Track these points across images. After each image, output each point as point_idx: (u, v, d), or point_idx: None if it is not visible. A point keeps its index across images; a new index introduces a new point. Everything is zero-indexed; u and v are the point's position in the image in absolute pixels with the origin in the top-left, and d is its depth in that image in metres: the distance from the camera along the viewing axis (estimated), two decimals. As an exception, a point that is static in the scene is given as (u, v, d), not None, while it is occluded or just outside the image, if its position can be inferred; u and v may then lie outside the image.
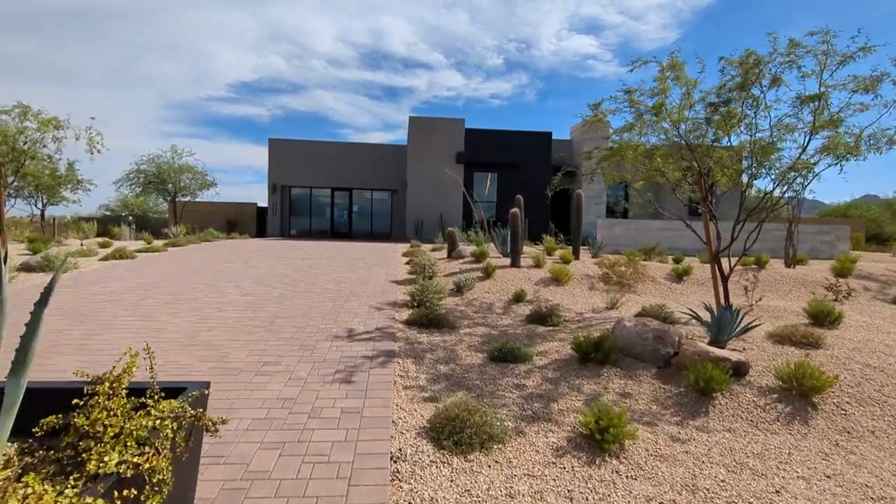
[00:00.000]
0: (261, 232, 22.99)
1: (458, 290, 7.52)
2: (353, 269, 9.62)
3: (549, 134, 19.19)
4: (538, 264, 9.11)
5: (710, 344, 4.77)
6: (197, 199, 22.32)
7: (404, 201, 21.70)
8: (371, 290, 7.57)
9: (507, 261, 9.47)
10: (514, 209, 8.92)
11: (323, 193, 22.70)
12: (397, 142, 21.38)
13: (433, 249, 12.86)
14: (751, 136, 6.00)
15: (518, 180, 18.23)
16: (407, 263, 10.44)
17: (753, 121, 5.94)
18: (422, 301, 6.45)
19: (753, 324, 5.31)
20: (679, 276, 9.45)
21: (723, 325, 4.91)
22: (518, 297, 7.22)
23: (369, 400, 3.54)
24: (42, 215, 15.72)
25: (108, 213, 25.40)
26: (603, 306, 7.25)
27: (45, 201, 15.30)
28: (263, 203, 22.86)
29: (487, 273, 8.28)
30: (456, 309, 6.61)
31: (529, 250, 10.87)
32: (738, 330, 5.04)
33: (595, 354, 4.40)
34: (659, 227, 14.54)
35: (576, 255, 10.39)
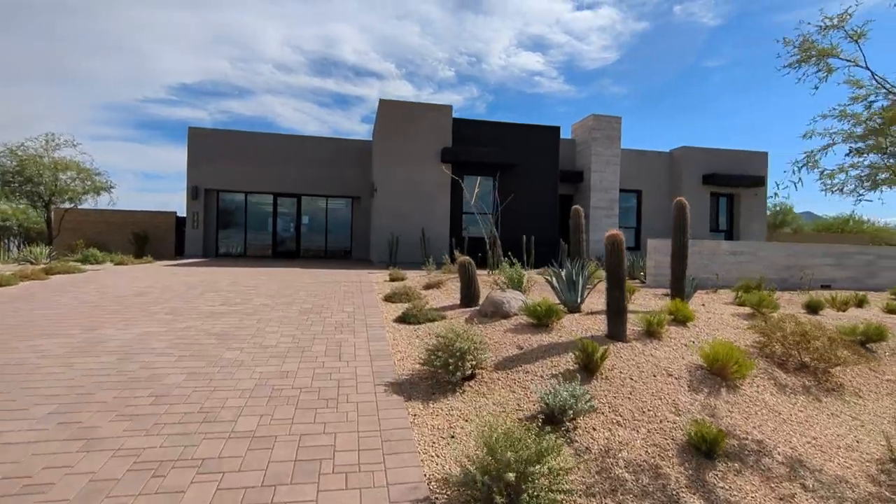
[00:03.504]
0: (180, 250, 17.57)
1: (551, 418, 3.23)
2: (305, 343, 5.05)
3: (558, 129, 15.35)
4: (652, 331, 4.96)
5: None
6: (87, 207, 16.61)
7: (370, 211, 17.12)
8: (355, 439, 3.10)
9: (581, 319, 5.28)
10: (614, 233, 4.74)
11: (263, 201, 17.62)
12: (349, 135, 16.74)
13: (427, 286, 8.44)
14: None
15: (518, 186, 14.20)
16: (401, 321, 5.99)
17: None
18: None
19: None
20: (865, 341, 5.61)
21: None
22: (706, 444, 3.02)
23: None
24: None
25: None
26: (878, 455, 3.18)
27: None
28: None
29: (587, 365, 4.00)
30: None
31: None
32: None
33: None
34: (728, 249, 10.93)
35: (676, 295, 6.35)
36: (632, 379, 3.98)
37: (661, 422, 3.42)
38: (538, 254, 13.31)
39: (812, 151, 4.95)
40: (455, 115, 14.47)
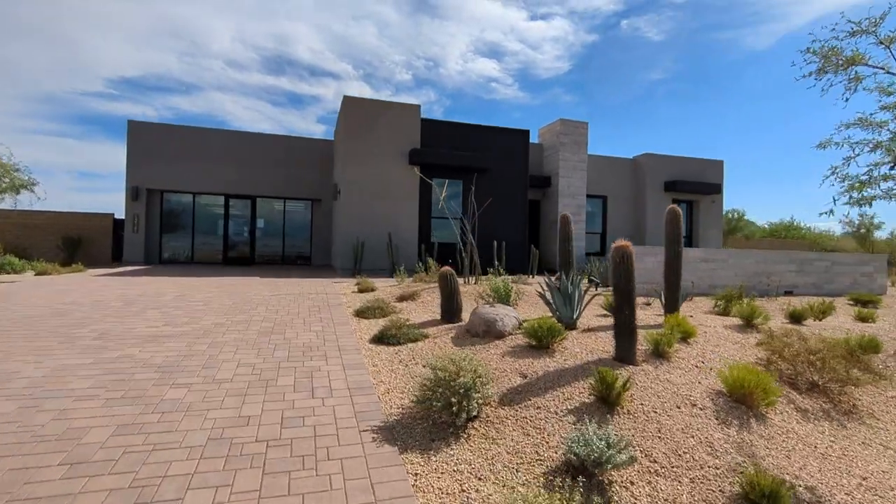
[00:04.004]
0: (118, 255, 15.89)
1: (580, 471, 2.67)
2: (269, 374, 4.25)
3: (527, 133, 15.04)
4: (660, 351, 4.53)
5: None
6: (6, 208, 14.66)
7: (332, 215, 16.15)
8: None
9: (581, 338, 4.81)
10: (623, 244, 4.27)
11: (213, 202, 16.25)
12: (305, 135, 15.74)
13: (400, 298, 7.75)
14: None
15: (488, 190, 13.76)
16: (379, 341, 5.29)
17: None
18: None
19: None
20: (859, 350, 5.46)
21: None
22: (767, 500, 2.55)
23: None
24: None
25: None
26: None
27: None
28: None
29: (606, 398, 3.48)
30: None
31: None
32: None
33: None
34: (699, 257, 10.92)
35: (671, 310, 6.02)
36: (655, 412, 3.50)
37: (701, 467, 2.94)
38: (508, 260, 12.90)
39: (840, 167, 4.71)
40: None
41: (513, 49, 61.62)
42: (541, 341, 4.49)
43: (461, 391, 3.19)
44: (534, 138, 17.59)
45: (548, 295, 5.40)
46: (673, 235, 6.01)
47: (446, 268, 6.38)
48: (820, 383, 4.46)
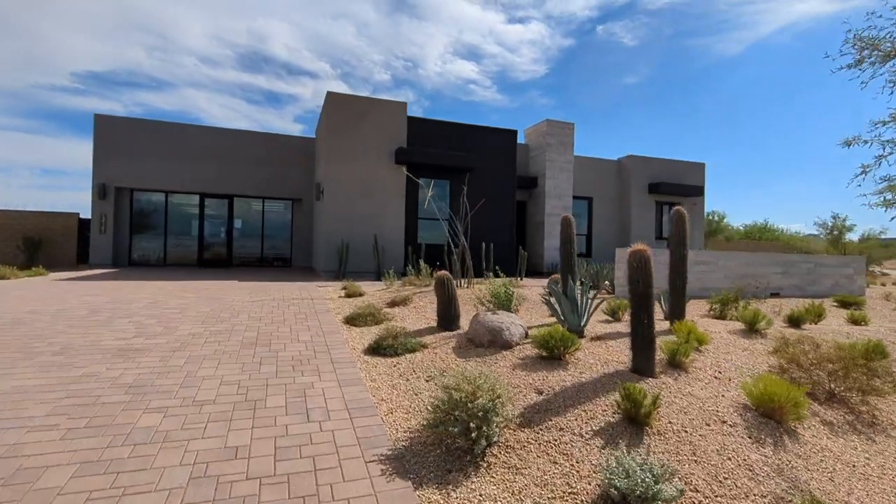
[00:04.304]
0: (84, 257, 14.97)
1: (624, 506, 2.36)
2: (256, 392, 3.82)
3: (515, 133, 14.80)
4: (676, 361, 4.29)
5: None
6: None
7: (314, 215, 15.59)
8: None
9: (592, 347, 4.53)
10: (640, 247, 4.00)
11: (187, 202, 15.48)
12: (283, 133, 15.18)
13: (391, 304, 7.36)
14: None
15: (476, 191, 13.46)
16: (374, 352, 4.89)
17: None
18: None
19: None
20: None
21: None
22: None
23: None
24: None
25: None
26: None
27: None
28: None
29: (633, 417, 3.20)
30: None
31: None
32: None
33: None
34: (691, 259, 10.83)
35: (678, 316, 5.81)
36: (685, 431, 3.24)
37: (746, 496, 2.67)
38: (496, 261, 12.62)
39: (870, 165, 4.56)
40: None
41: (491, 51, 61.82)
42: (552, 352, 4.19)
43: (480, 414, 2.85)
44: (520, 139, 17.40)
45: (553, 301, 5.11)
46: (679, 237, 5.80)
47: (443, 272, 6.04)
48: (836, 392, 4.29)
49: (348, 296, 8.18)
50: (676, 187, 18.75)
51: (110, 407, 3.35)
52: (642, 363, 4.02)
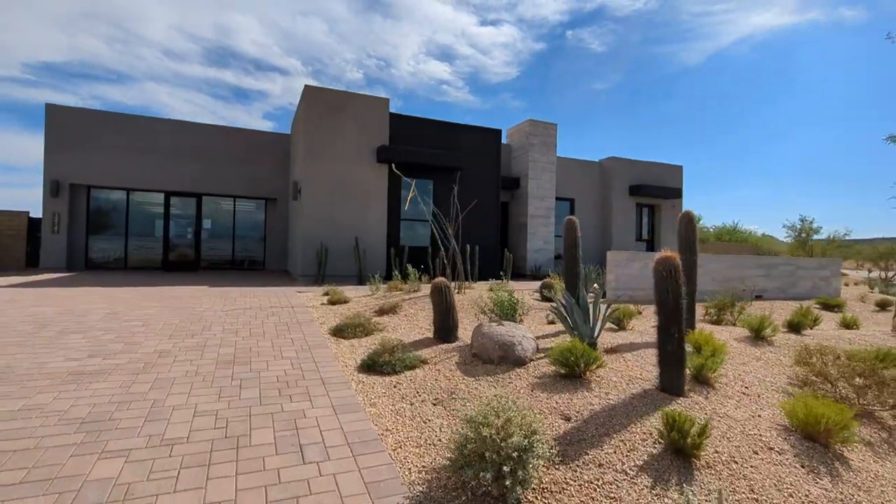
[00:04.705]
0: (34, 260, 13.74)
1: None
2: (237, 426, 3.26)
3: (499, 132, 14.45)
4: (702, 377, 3.96)
5: None
6: None
7: (289, 216, 14.82)
8: None
9: (609, 361, 4.16)
10: (668, 255, 3.66)
11: (150, 200, 14.44)
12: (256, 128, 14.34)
13: (380, 312, 6.84)
14: None
15: (460, 190, 13.02)
16: (368, 369, 4.38)
17: None
18: None
19: None
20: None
21: None
22: None
23: None
24: None
25: None
26: None
27: None
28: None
29: (680, 448, 2.82)
30: None
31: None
32: None
33: None
34: (681, 261, 10.69)
35: (689, 326, 5.53)
36: (735, 462, 2.88)
37: (823, 544, 2.32)
38: (481, 263, 12.23)
39: None
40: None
41: (464, 53, 61.82)
42: (573, 370, 3.79)
43: (514, 455, 2.40)
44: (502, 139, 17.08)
45: (563, 311, 4.71)
46: (689, 241, 5.53)
47: (440, 279, 5.57)
48: (871, 408, 4.06)
49: (332, 303, 7.60)
50: (656, 189, 18.85)
51: (56, 452, 2.73)
52: (671, 381, 3.66)
